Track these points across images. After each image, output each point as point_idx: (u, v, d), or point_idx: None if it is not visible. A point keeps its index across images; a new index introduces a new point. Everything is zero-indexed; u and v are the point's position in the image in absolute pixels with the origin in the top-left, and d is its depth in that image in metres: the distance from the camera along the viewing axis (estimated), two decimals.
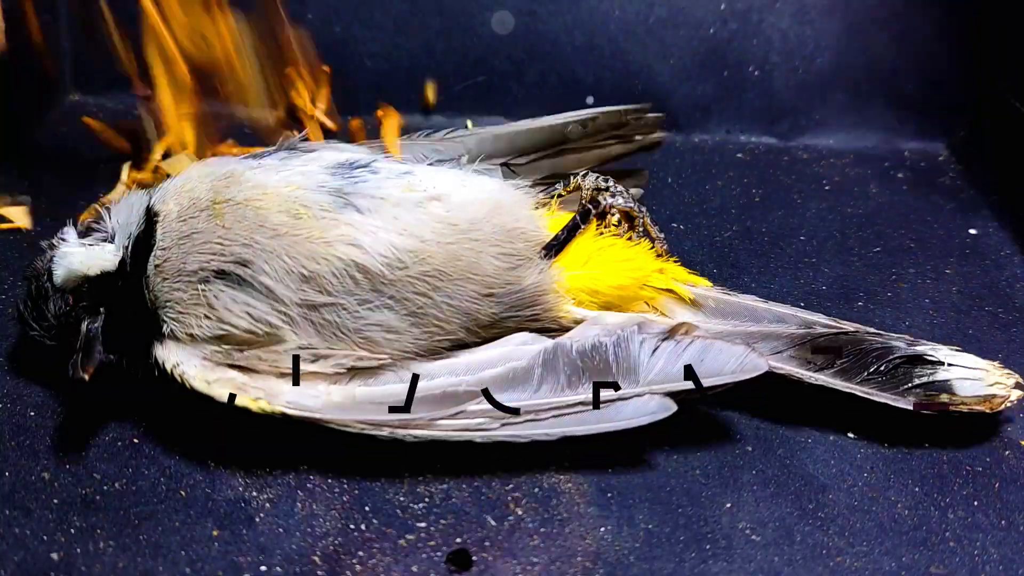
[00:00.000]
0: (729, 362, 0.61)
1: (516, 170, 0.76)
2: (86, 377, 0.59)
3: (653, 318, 0.66)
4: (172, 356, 0.60)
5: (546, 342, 0.63)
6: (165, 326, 0.61)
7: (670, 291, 0.68)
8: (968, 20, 1.01)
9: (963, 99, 1.02)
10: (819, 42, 1.03)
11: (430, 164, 0.72)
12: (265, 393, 0.59)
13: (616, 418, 0.61)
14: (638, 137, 0.81)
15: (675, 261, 0.71)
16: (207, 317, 0.60)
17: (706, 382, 0.61)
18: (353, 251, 0.60)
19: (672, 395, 0.61)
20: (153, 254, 0.61)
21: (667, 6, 1.03)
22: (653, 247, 0.70)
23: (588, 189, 0.72)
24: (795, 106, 1.03)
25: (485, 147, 0.75)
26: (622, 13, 1.03)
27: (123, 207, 0.65)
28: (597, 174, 0.72)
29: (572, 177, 0.72)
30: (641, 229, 0.71)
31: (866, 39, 1.03)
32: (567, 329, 0.64)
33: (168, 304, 0.60)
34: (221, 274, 0.60)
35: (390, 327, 0.61)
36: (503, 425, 0.60)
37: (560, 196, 0.71)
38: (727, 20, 1.03)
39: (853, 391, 0.64)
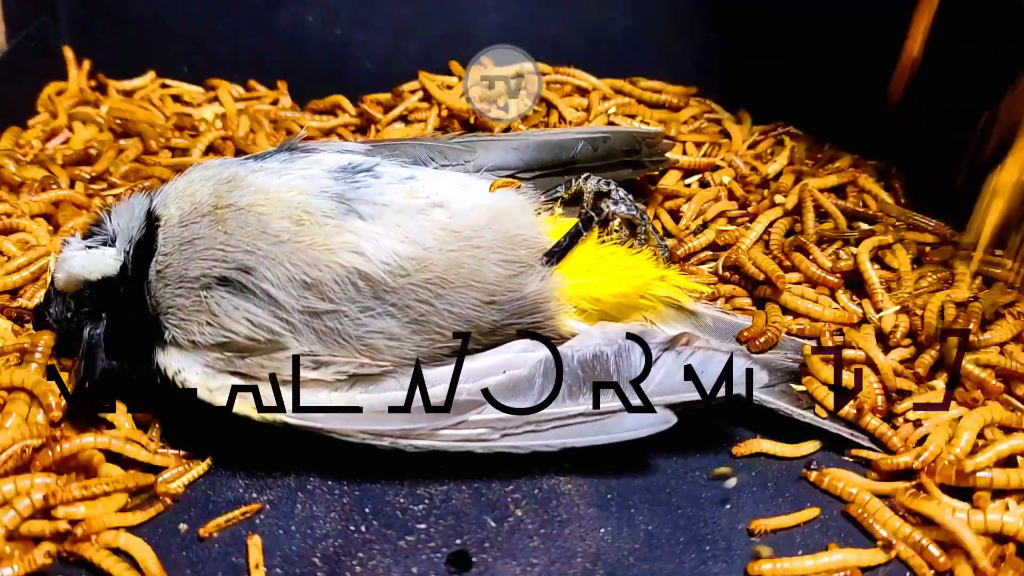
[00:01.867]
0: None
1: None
2: (87, 385, 0.60)
3: (654, 329, 0.66)
4: (174, 363, 0.60)
5: (547, 350, 0.63)
6: (167, 332, 0.60)
7: (671, 300, 0.68)
8: (966, 22, 1.01)
9: (961, 101, 1.03)
10: (818, 45, 1.03)
11: (433, 168, 0.71)
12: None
13: (616, 430, 0.61)
14: (648, 162, 0.81)
15: (676, 268, 0.71)
16: (209, 324, 0.60)
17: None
18: (355, 258, 0.60)
19: (671, 406, 0.61)
20: (155, 260, 0.61)
21: (667, 10, 1.03)
22: (655, 254, 0.70)
23: (590, 193, 0.72)
24: (795, 109, 1.03)
25: (491, 157, 0.74)
26: (622, 16, 1.03)
27: (124, 210, 0.65)
28: (599, 177, 0.72)
29: (574, 180, 0.72)
30: (643, 237, 0.71)
31: (865, 42, 1.03)
32: (567, 338, 0.64)
33: (170, 310, 0.60)
34: (223, 281, 0.60)
35: (392, 334, 0.61)
36: (504, 436, 0.60)
37: (562, 199, 0.71)
38: (727, 23, 1.03)
39: (840, 432, 0.64)
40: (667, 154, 0.84)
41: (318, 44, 1.04)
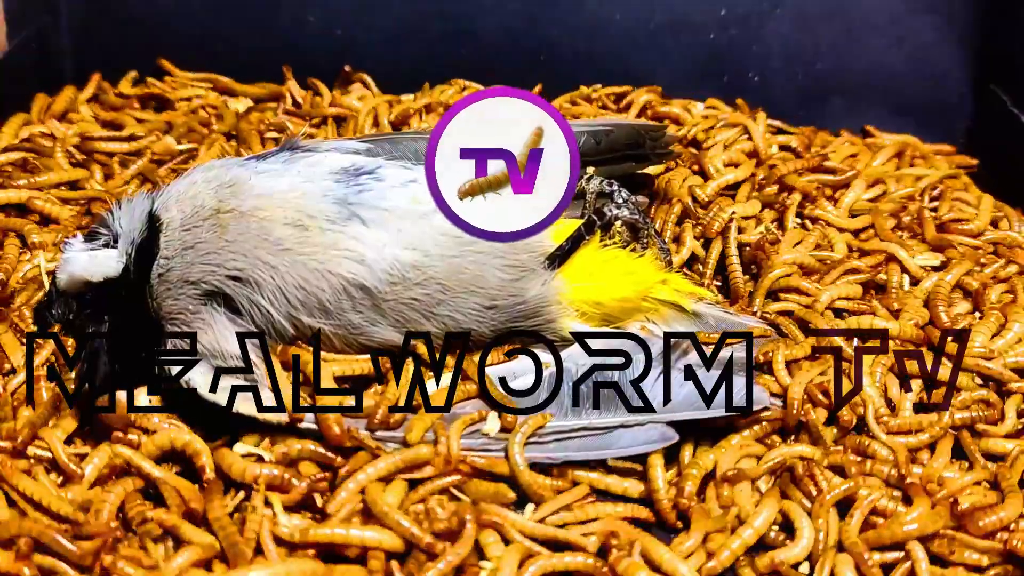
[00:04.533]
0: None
1: None
2: (87, 387, 0.60)
3: (653, 338, 0.66)
4: (175, 368, 0.59)
5: (550, 368, 0.62)
6: (169, 339, 0.61)
7: (673, 303, 0.68)
8: (966, 23, 1.02)
9: (961, 102, 1.03)
10: (818, 47, 1.04)
11: None
12: None
13: (617, 445, 0.60)
14: (652, 156, 0.80)
15: (678, 271, 0.71)
16: (210, 329, 0.60)
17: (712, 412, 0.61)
18: (357, 267, 0.60)
19: (673, 423, 0.61)
20: (156, 263, 0.61)
21: (668, 12, 1.03)
22: (657, 258, 0.69)
23: (592, 194, 0.71)
24: (795, 111, 1.03)
25: None
26: (623, 18, 1.03)
27: (125, 211, 0.64)
28: (602, 178, 0.71)
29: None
30: (645, 240, 0.70)
31: (865, 44, 1.03)
32: (568, 341, 0.64)
33: (171, 314, 0.60)
34: (224, 286, 0.60)
35: (394, 342, 0.61)
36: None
37: None
38: (727, 26, 1.03)
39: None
40: (671, 147, 0.84)
41: (319, 44, 1.04)
